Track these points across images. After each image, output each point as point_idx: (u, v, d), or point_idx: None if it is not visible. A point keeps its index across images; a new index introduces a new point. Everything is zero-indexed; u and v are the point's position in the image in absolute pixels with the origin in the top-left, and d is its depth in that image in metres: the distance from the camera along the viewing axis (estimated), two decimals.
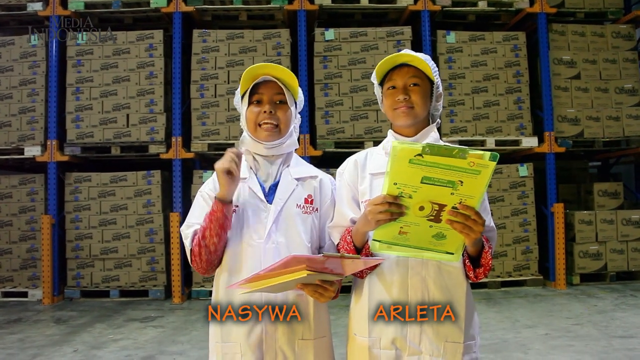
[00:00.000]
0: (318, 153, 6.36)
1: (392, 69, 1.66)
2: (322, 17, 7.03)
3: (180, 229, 1.73)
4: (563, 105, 6.76)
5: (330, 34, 6.61)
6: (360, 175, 1.68)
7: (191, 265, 1.66)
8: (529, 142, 6.62)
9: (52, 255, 6.29)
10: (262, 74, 1.68)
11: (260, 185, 1.70)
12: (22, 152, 6.48)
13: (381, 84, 1.71)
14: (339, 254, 1.35)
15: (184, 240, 1.68)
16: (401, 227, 1.38)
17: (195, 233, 1.65)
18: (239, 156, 1.58)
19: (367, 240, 1.56)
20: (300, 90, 1.78)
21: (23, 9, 6.65)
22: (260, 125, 1.68)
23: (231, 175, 1.55)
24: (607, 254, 6.61)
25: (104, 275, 6.41)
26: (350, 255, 1.35)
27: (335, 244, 1.67)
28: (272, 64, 1.68)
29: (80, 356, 4.24)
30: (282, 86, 1.69)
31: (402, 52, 1.65)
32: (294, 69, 6.60)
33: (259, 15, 7.01)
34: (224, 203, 1.58)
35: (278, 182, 1.71)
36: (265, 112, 1.67)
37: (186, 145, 6.47)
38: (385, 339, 1.58)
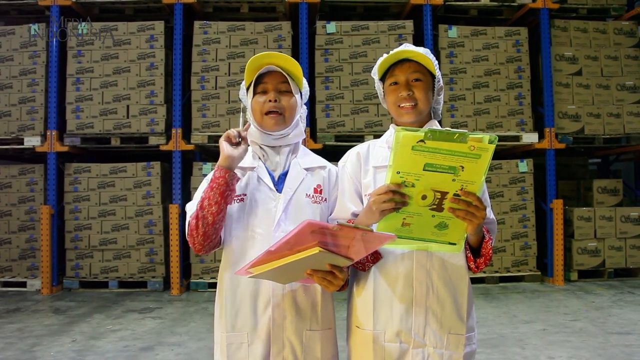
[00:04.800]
0: (318, 146, 6.35)
1: (393, 64, 1.65)
2: (324, 10, 7.01)
3: (186, 206, 1.70)
4: (564, 101, 6.75)
5: (331, 27, 6.59)
6: (363, 168, 1.68)
7: (188, 241, 1.61)
8: (529, 138, 6.62)
9: (51, 246, 6.29)
10: (265, 64, 1.67)
11: (270, 175, 1.69)
12: (21, 142, 6.47)
13: (382, 79, 1.70)
14: (352, 224, 1.31)
15: (187, 218, 1.64)
16: (404, 219, 1.38)
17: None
18: (239, 132, 1.57)
19: None
20: (305, 81, 1.78)
21: None
22: (266, 114, 1.66)
23: (230, 141, 1.54)
24: (605, 251, 6.62)
25: (103, 266, 6.42)
26: (364, 227, 1.31)
27: None
28: (276, 52, 1.67)
29: (78, 346, 4.25)
30: (287, 75, 1.68)
31: (404, 47, 1.63)
32: None
33: (260, 7, 6.98)
34: (225, 169, 1.54)
35: (287, 171, 1.70)
36: (270, 100, 1.66)
37: (186, 137, 6.46)
38: (390, 331, 1.58)
